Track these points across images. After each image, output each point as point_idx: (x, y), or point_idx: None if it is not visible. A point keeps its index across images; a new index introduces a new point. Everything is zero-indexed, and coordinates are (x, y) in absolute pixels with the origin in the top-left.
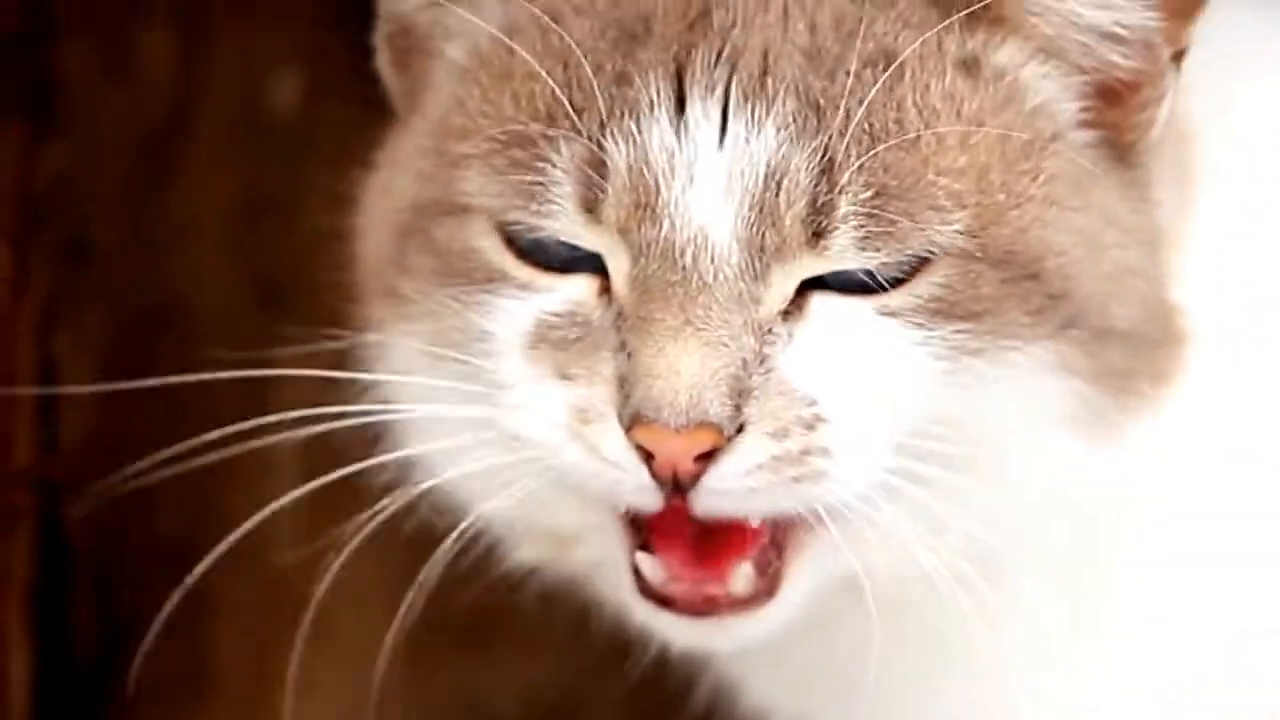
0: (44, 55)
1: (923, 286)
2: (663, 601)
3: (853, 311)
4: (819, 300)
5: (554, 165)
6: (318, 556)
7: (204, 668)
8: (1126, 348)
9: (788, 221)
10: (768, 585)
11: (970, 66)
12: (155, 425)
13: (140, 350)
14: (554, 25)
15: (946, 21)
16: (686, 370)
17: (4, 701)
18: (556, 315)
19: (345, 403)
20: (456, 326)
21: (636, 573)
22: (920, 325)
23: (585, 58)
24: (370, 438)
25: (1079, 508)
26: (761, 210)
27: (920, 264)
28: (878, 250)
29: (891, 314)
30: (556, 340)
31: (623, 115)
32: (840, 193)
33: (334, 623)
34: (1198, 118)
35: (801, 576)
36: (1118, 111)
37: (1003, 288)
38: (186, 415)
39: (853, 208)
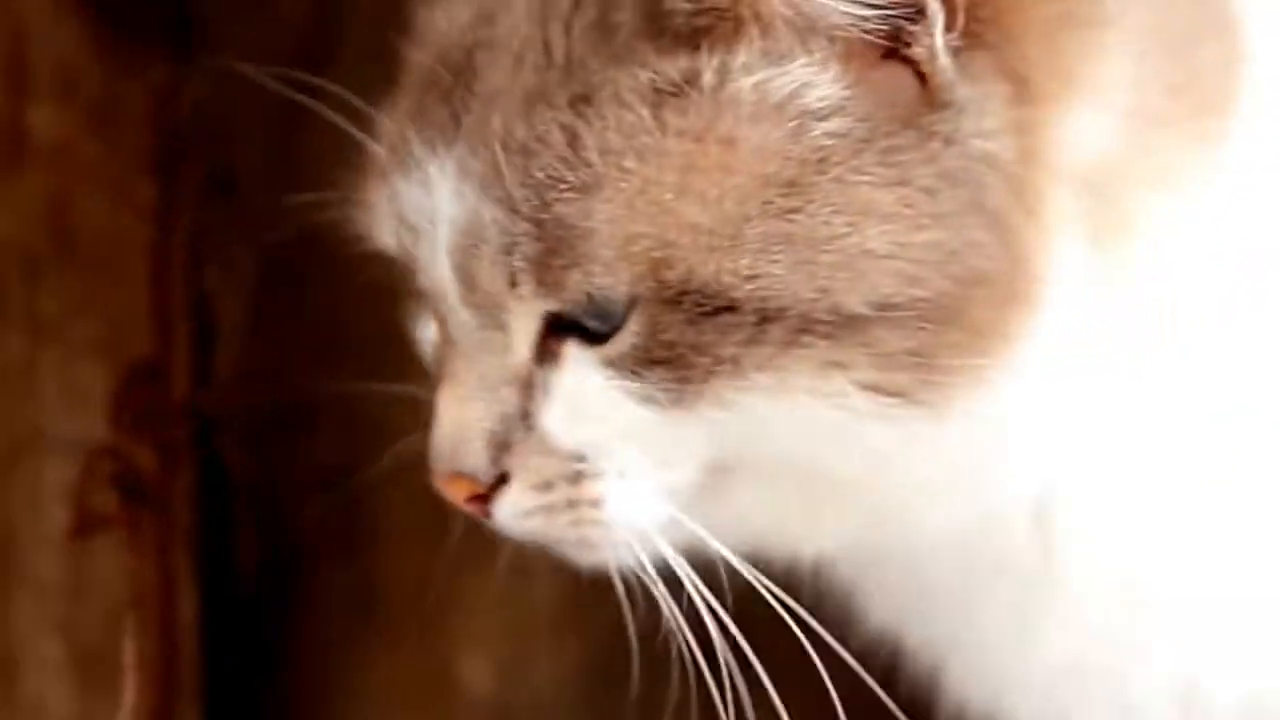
0: None
1: (625, 336)
2: None
3: (590, 361)
4: (570, 349)
5: (378, 208)
6: None
7: (371, 592)
8: (892, 327)
9: (481, 277)
10: None
11: (661, 95)
12: (309, 353)
13: (292, 281)
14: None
15: (635, 51)
16: (445, 422)
17: (174, 644)
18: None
19: None
20: None
21: None
22: (634, 374)
23: (407, 99)
24: None
25: (935, 488)
26: (466, 265)
27: (626, 314)
28: (549, 298)
29: (609, 363)
30: None
31: (396, 167)
32: (515, 242)
33: (504, 545)
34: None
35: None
36: (885, 65)
37: (692, 329)
38: (341, 345)
39: (524, 261)
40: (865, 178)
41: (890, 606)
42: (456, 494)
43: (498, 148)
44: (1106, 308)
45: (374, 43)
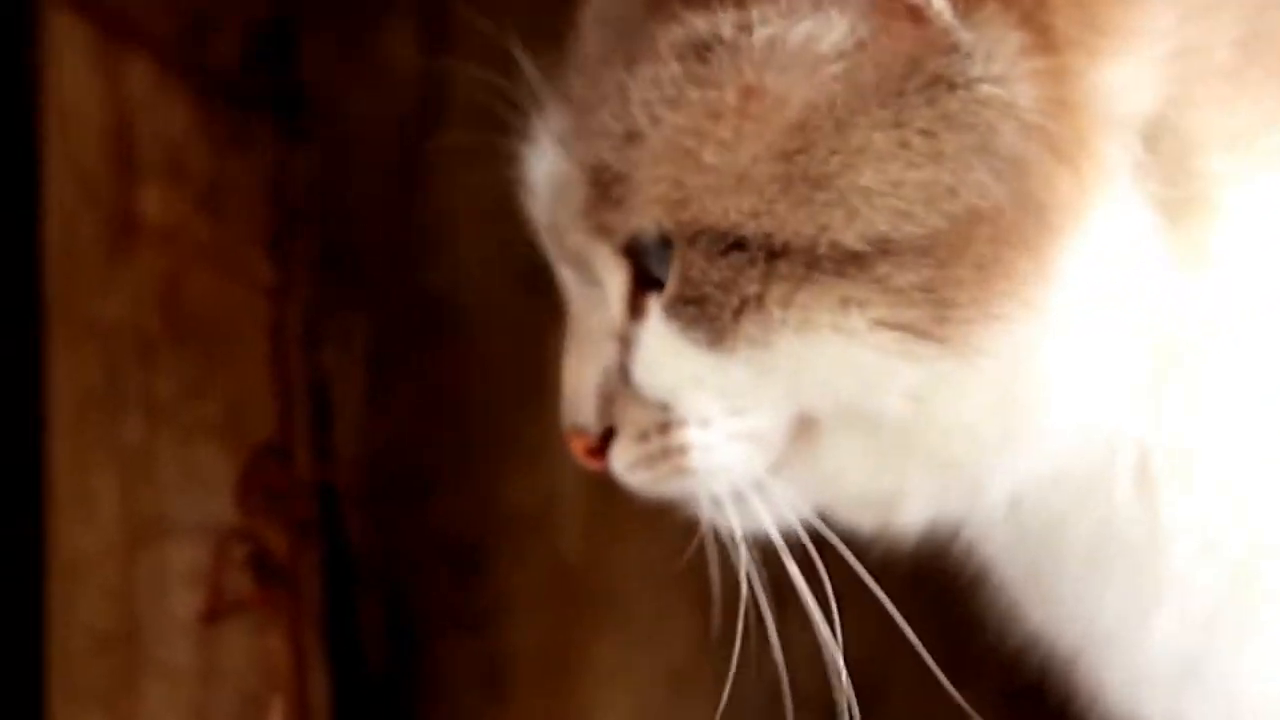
0: (291, 54)
1: (671, 280)
2: None
3: (656, 309)
4: (651, 300)
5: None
6: (605, 543)
7: (498, 663)
8: (895, 262)
9: (570, 230)
10: None
11: (695, 50)
12: (429, 426)
13: (408, 353)
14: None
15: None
16: (568, 380)
17: None
18: None
19: None
20: None
21: None
22: (677, 316)
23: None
24: None
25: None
26: (557, 222)
27: (670, 258)
28: (603, 244)
29: (665, 309)
30: None
31: (529, 136)
32: (583, 195)
33: (628, 609)
34: None
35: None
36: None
37: (712, 266)
38: (462, 414)
39: (582, 207)
40: (865, 120)
41: (1031, 595)
42: (575, 449)
43: (574, 108)
44: (1175, 275)
45: (481, 102)
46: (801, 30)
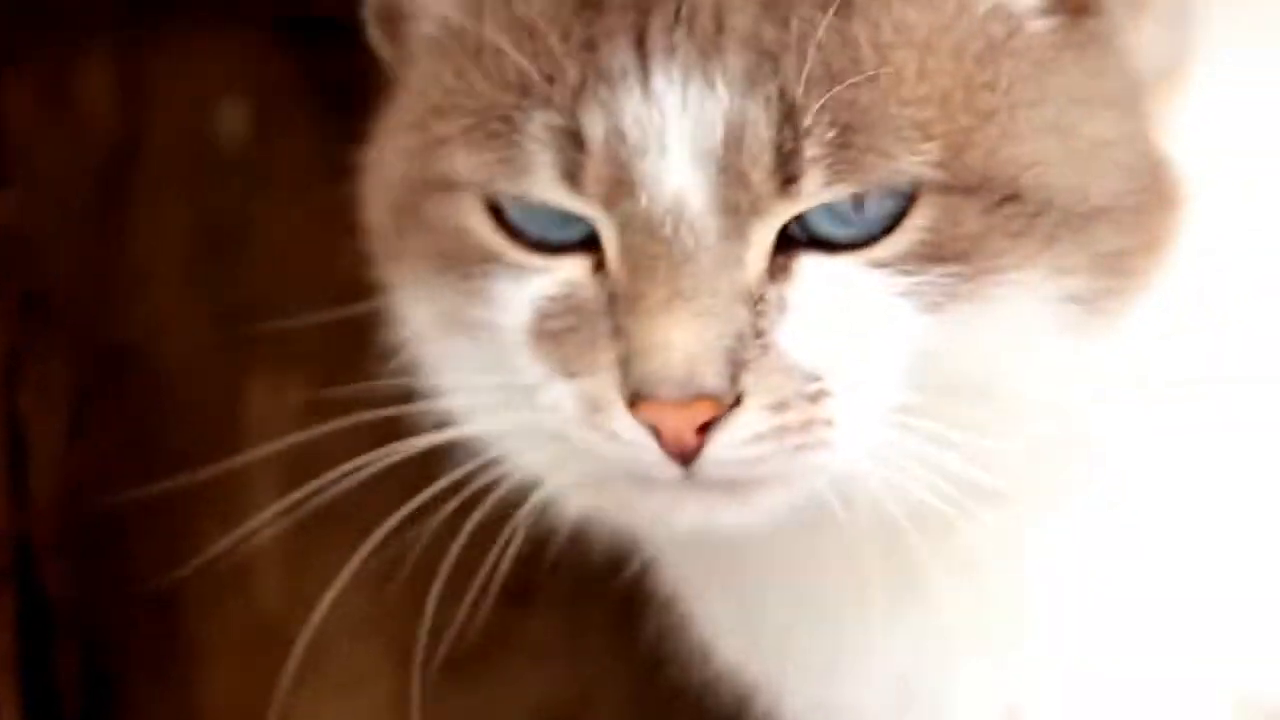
0: None
1: (909, 231)
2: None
3: (841, 269)
4: (806, 261)
5: (529, 135)
6: (303, 593)
7: (195, 713)
8: (1112, 224)
9: (755, 177)
10: None
11: None
12: (126, 472)
13: (106, 399)
14: None
15: None
16: (679, 343)
17: None
18: (552, 300)
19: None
20: (460, 311)
21: None
22: (909, 272)
23: (550, 26)
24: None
25: (1071, 416)
26: (729, 169)
27: (902, 212)
28: (847, 185)
29: (881, 265)
30: (556, 333)
31: (596, 84)
32: (804, 136)
33: (327, 659)
34: None
35: (805, 480)
36: None
37: (984, 217)
38: (158, 460)
39: (819, 149)
40: (1074, 69)
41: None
42: (689, 421)
43: (752, 50)
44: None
45: (179, 148)
46: None
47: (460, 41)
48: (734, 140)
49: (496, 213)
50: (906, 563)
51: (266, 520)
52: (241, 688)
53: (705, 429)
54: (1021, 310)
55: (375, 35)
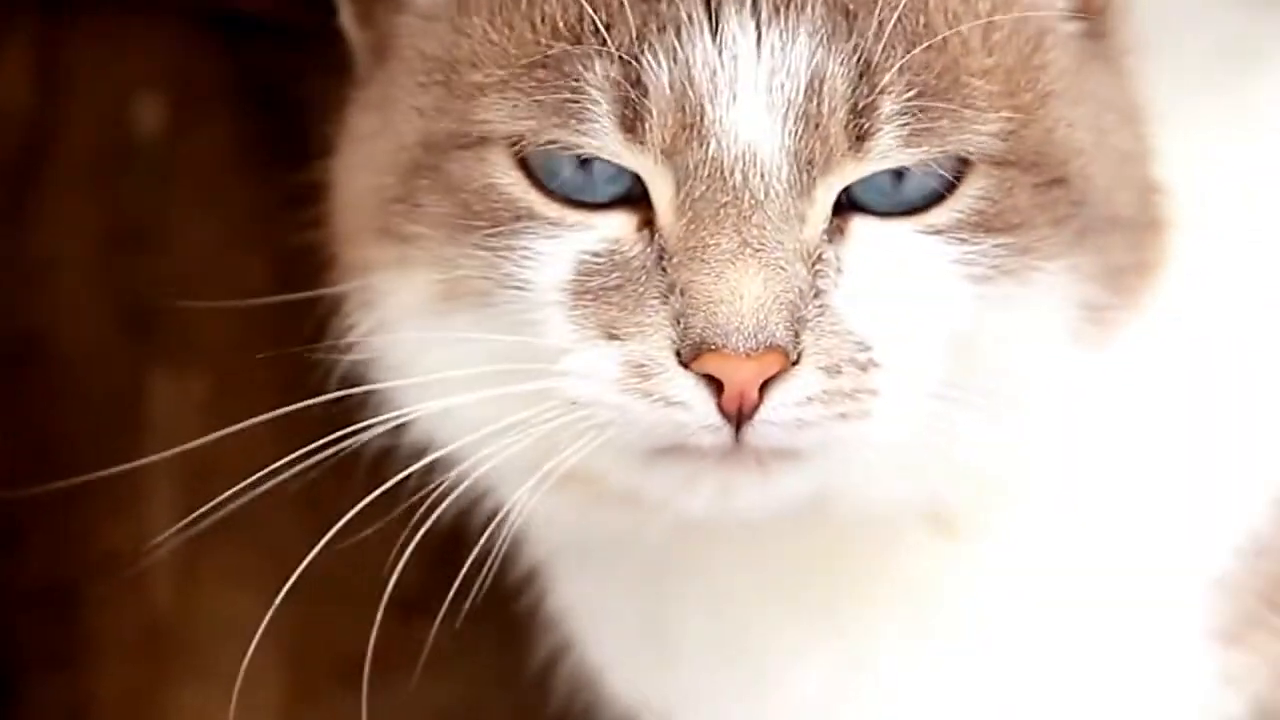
0: None
1: (963, 200)
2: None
3: (894, 234)
4: (859, 223)
5: (587, 83)
6: (194, 592)
7: (83, 707)
8: (1124, 238)
9: (832, 128)
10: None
11: None
12: (25, 466)
13: (5, 392)
14: None
15: None
16: (750, 293)
17: None
18: (595, 257)
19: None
20: (481, 275)
21: None
22: (963, 241)
23: None
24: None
25: (1058, 430)
26: (806, 120)
27: (957, 179)
28: (919, 148)
29: (935, 231)
30: (597, 291)
31: (660, 31)
32: (882, 93)
33: (212, 661)
34: None
35: (822, 462)
36: None
37: (1035, 195)
38: (57, 453)
39: (896, 107)
40: (1103, 77)
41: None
42: (759, 372)
43: (829, 5)
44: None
45: (93, 141)
46: None
47: None
48: (814, 91)
49: (527, 169)
50: (850, 583)
51: (167, 534)
52: (133, 685)
53: (765, 387)
54: (1047, 302)
55: (347, 17)
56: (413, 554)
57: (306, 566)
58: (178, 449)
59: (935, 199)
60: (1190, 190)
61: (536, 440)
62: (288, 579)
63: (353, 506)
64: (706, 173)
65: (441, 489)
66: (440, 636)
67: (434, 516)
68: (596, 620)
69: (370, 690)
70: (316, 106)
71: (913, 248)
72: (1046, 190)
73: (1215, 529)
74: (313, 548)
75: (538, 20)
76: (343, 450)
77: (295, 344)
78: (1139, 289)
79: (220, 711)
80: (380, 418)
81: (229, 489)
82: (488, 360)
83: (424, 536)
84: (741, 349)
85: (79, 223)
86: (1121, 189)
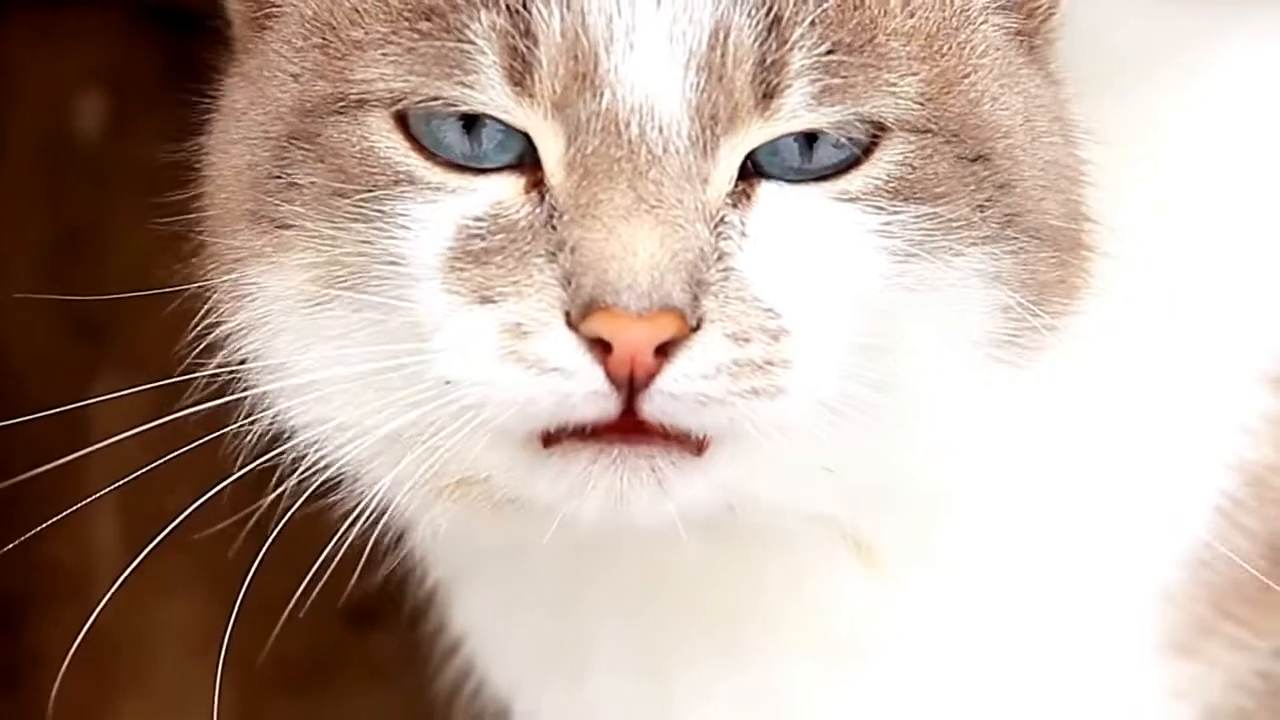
0: None
1: (880, 166)
2: (585, 438)
3: (806, 201)
4: (768, 189)
5: (473, 34)
6: (139, 604)
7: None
8: (1051, 253)
9: (737, 81)
10: (695, 447)
11: None
12: None
13: None
14: None
15: None
16: (645, 250)
17: None
18: (478, 221)
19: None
20: (356, 253)
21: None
22: (879, 209)
23: None
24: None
25: (980, 449)
26: (709, 72)
27: (872, 145)
28: (831, 108)
29: (850, 199)
30: (477, 253)
31: None
32: (792, 49)
33: (156, 672)
34: None
35: (721, 465)
36: None
37: (957, 167)
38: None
39: (806, 63)
40: (1038, 79)
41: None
42: (652, 336)
43: None
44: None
45: (35, 142)
46: None
47: None
48: (719, 42)
49: (409, 133)
50: (762, 610)
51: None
52: (75, 696)
53: (660, 353)
54: (964, 299)
55: None
56: (359, 563)
57: (250, 574)
58: (121, 481)
59: (850, 164)
60: (1104, 207)
61: (424, 443)
62: (229, 588)
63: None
64: (600, 126)
65: (348, 500)
66: (387, 646)
67: (346, 528)
68: (501, 640)
69: (317, 699)
70: None
71: (826, 215)
72: (968, 164)
73: (1156, 542)
74: (252, 557)
75: None
76: (263, 462)
77: None
78: (1062, 310)
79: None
80: (254, 423)
81: (169, 496)
82: (368, 357)
83: (371, 546)
84: (634, 308)
85: (24, 224)
86: (1051, 197)
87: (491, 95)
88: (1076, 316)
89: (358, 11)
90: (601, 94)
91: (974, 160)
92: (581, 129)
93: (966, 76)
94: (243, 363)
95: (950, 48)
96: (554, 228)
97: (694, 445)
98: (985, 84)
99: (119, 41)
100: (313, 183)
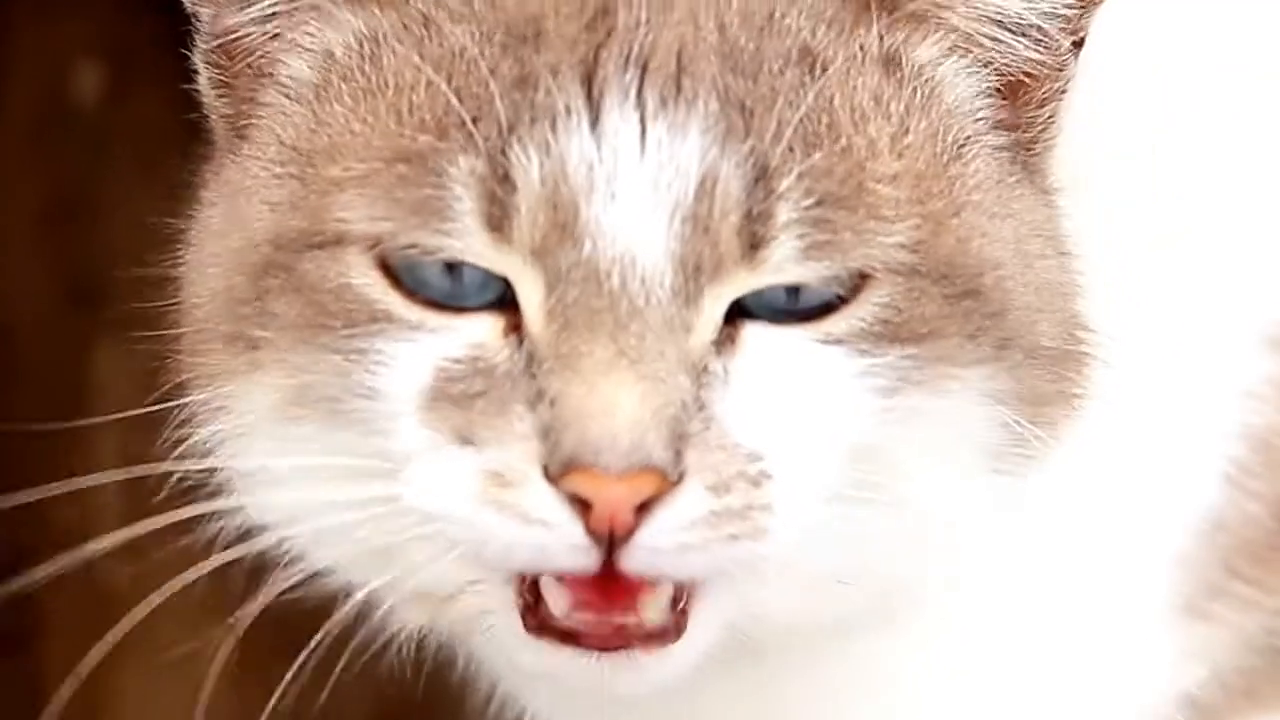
0: None
1: (865, 308)
2: (564, 637)
3: (790, 343)
4: (751, 331)
5: (451, 180)
6: (140, 570)
7: (34, 685)
8: (1048, 370)
9: (723, 233)
10: (676, 622)
11: (891, 64)
12: None
13: None
14: (439, 27)
15: (865, 17)
16: (625, 407)
17: None
18: (456, 363)
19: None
20: (331, 382)
21: (526, 614)
22: (865, 352)
23: (476, 62)
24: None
25: (978, 558)
26: (695, 223)
27: (858, 286)
28: (819, 262)
29: (835, 341)
30: (456, 396)
31: (533, 123)
32: (779, 200)
33: (158, 638)
34: None
35: (711, 614)
36: (1021, 109)
37: (945, 306)
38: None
39: (794, 215)
40: (1032, 201)
41: None
42: (631, 495)
43: (721, 100)
44: None
45: (33, 110)
46: (964, 83)
47: (353, 82)
48: (705, 192)
49: (388, 269)
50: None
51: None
52: (78, 662)
53: (642, 509)
54: (962, 418)
55: (205, 85)
56: None
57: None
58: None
59: (834, 305)
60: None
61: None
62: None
63: None
64: (580, 276)
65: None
66: None
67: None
68: None
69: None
70: None
71: (810, 357)
72: (957, 301)
73: (1167, 511)
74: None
75: (405, 111)
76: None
77: None
78: (1061, 421)
79: (165, 689)
80: (233, 530)
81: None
82: (338, 474)
83: None
84: (614, 469)
85: (21, 191)
86: (1045, 318)
87: (469, 242)
88: (1076, 424)
89: (336, 147)
90: (582, 244)
91: (963, 296)
92: (562, 278)
93: (956, 215)
94: (215, 471)
95: (940, 186)
96: (533, 375)
97: (673, 630)
98: (975, 220)
99: (116, 11)
100: (289, 313)
